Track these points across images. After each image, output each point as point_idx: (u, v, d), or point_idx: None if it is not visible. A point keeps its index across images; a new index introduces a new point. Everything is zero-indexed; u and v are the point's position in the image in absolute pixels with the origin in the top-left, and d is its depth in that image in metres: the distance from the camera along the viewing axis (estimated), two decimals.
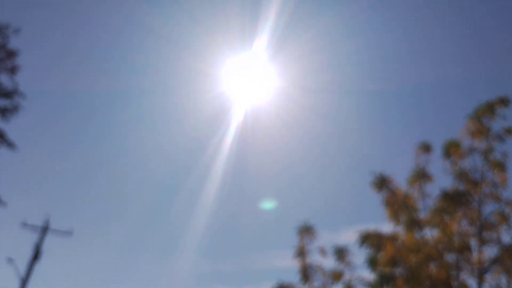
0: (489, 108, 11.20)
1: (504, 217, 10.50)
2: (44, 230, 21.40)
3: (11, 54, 19.43)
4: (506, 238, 10.41)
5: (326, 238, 11.29)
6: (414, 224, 10.41)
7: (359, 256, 10.81)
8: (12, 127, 20.10)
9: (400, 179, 11.20)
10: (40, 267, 23.37)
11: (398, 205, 10.67)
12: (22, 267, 21.55)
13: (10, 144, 19.34)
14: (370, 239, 10.33)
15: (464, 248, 10.35)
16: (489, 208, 10.74)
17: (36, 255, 20.70)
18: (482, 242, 10.41)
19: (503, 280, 10.05)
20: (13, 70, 19.45)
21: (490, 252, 10.38)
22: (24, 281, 20.38)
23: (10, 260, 20.86)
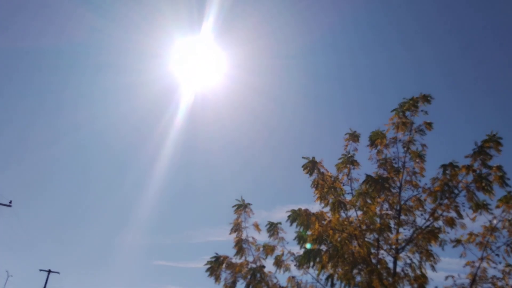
0: (413, 104, 12.33)
1: (420, 202, 11.64)
2: None
3: None
4: (420, 221, 11.55)
5: (262, 216, 12.05)
6: (340, 205, 11.31)
7: (291, 233, 11.63)
8: None
9: (330, 164, 12.13)
10: None
11: (326, 187, 11.56)
12: None
13: None
14: (300, 218, 11.14)
15: (384, 229, 11.37)
16: (407, 193, 11.90)
17: None
18: (400, 224, 11.51)
19: (416, 258, 11.15)
20: None
21: (406, 233, 11.51)
22: None
23: None
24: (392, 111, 12.47)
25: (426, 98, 12.36)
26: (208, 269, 11.37)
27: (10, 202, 22.26)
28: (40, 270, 42.09)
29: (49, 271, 41.97)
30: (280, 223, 11.76)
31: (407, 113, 12.37)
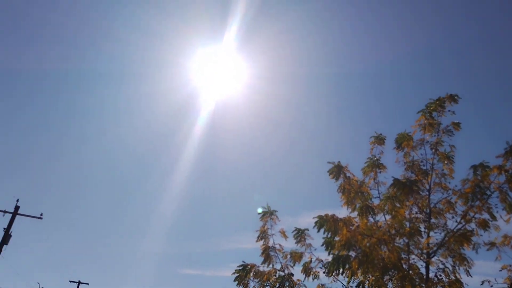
0: (440, 104, 12.05)
1: (450, 205, 11.33)
2: (14, 214, 21.43)
3: None
4: (452, 223, 11.24)
5: (288, 223, 11.92)
6: (368, 210, 11.10)
7: (318, 239, 11.45)
8: None
9: (356, 168, 11.94)
10: (9, 251, 23.39)
11: (353, 192, 11.37)
12: None
13: None
14: (327, 224, 10.96)
15: (414, 233, 11.12)
16: (437, 196, 11.62)
17: (4, 241, 20.75)
18: (430, 227, 11.22)
19: (449, 262, 10.84)
20: None
21: (437, 236, 11.20)
22: None
23: None
24: (419, 112, 12.21)
25: (453, 98, 12.08)
26: (236, 278, 11.31)
27: (41, 214, 22.59)
28: (70, 281, 42.56)
29: (79, 282, 42.43)
30: (307, 229, 11.63)
31: (434, 114, 12.10)
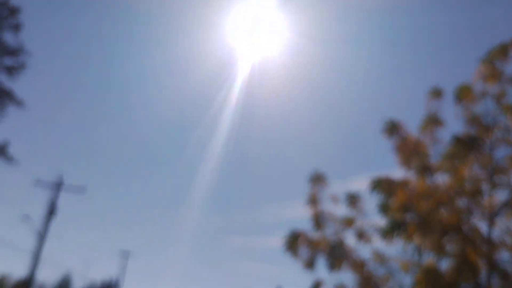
0: (502, 51, 10.95)
1: None
2: (58, 186, 21.77)
3: (14, 11, 19.12)
4: None
5: (337, 186, 11.37)
6: (425, 169, 10.43)
7: (371, 202, 10.91)
8: (19, 85, 20.13)
9: (411, 125, 11.16)
10: (56, 224, 23.95)
11: (409, 151, 10.66)
12: (37, 225, 22.04)
13: (18, 103, 19.40)
14: (381, 185, 10.39)
15: (475, 193, 10.39)
16: (500, 152, 10.72)
17: (52, 211, 21.16)
18: (493, 186, 10.42)
19: None
20: (16, 28, 19.22)
21: (500, 195, 10.41)
22: (42, 237, 20.95)
23: (26, 217, 21.35)
24: (479, 61, 11.16)
25: None
26: (285, 245, 10.92)
27: (85, 187, 22.89)
28: (120, 250, 43.75)
29: (126, 252, 43.61)
30: (359, 193, 11.06)
31: (496, 62, 11.02)
